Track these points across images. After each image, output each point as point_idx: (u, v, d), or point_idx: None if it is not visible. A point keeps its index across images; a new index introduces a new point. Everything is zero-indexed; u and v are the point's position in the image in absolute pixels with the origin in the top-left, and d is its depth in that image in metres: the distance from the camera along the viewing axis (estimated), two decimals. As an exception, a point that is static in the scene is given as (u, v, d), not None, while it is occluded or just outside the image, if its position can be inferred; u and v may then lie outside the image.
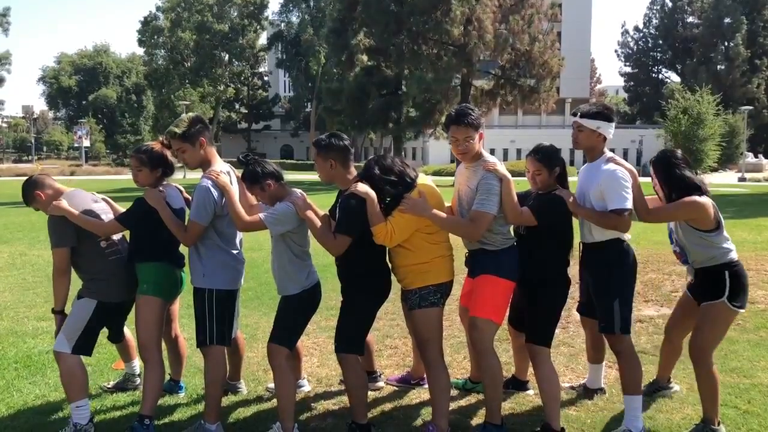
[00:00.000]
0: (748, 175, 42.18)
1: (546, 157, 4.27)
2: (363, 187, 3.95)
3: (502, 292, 4.16)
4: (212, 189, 4.13)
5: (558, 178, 4.30)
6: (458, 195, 4.30)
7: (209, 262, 4.21)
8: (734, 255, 4.29)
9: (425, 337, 4.13)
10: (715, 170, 38.84)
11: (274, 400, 4.42)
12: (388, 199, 4.02)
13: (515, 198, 4.12)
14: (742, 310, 4.27)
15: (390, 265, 4.22)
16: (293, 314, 4.20)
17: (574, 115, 4.32)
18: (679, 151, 4.45)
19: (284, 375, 4.12)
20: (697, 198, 4.15)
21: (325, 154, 4.13)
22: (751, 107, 50.10)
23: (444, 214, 4.07)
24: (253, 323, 6.86)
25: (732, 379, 5.20)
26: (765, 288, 8.58)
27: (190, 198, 4.46)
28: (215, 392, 4.21)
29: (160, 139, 4.46)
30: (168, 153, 4.40)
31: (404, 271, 4.12)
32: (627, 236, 4.32)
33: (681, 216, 4.24)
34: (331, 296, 7.03)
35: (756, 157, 54.93)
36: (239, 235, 4.40)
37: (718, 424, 4.23)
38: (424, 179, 4.15)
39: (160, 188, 4.35)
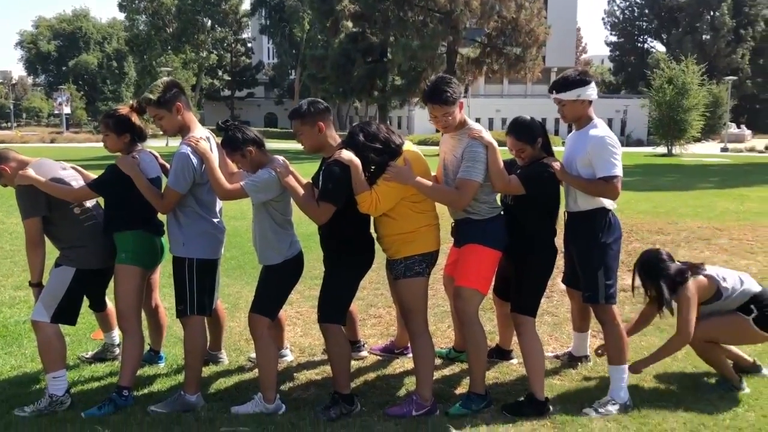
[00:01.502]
0: (730, 146, 42.37)
1: (525, 132, 4.17)
2: (347, 154, 3.85)
3: (489, 261, 4.10)
4: (191, 156, 4.01)
5: (542, 147, 4.22)
6: (443, 164, 4.21)
7: (189, 230, 4.11)
8: (754, 288, 4.42)
9: (410, 306, 4.07)
10: (698, 140, 38.91)
11: (256, 371, 4.36)
12: (373, 167, 3.93)
13: (502, 165, 4.04)
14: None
15: (375, 234, 4.14)
16: (275, 284, 4.13)
17: (551, 92, 4.21)
18: (658, 250, 4.56)
19: (266, 345, 4.06)
20: (689, 294, 4.29)
21: (312, 119, 4.00)
22: (735, 77, 50.10)
23: (430, 183, 3.99)
24: (235, 293, 6.78)
25: (715, 348, 5.19)
26: (747, 257, 8.61)
27: (167, 165, 4.35)
28: (195, 363, 4.14)
29: (131, 102, 4.33)
30: (135, 118, 4.27)
31: (389, 240, 4.05)
32: (613, 205, 4.27)
33: (695, 309, 4.31)
34: (315, 266, 6.92)
35: (738, 127, 55.13)
36: (219, 203, 4.30)
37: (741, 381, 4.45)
38: (409, 146, 4.06)
39: (134, 154, 4.22)
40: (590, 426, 3.91)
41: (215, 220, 4.22)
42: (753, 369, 4.68)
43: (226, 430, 3.79)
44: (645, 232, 10.33)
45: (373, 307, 6.31)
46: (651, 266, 4.42)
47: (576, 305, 4.84)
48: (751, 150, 41.36)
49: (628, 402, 4.13)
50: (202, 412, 4.05)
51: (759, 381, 4.57)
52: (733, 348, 4.69)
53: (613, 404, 4.11)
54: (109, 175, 4.15)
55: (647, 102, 37.67)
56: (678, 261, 4.54)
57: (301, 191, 3.96)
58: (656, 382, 4.57)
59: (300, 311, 6.19)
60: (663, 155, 35.38)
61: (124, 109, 4.29)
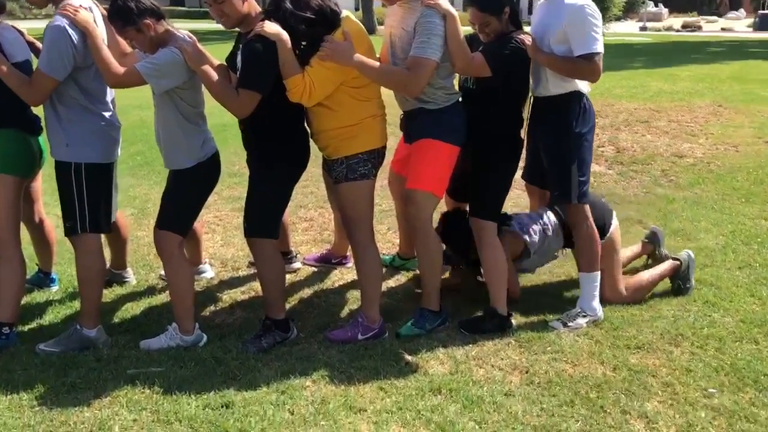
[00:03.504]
0: (648, 25, 42.47)
1: (490, 2, 3.41)
2: (272, 27, 3.02)
3: (446, 159, 3.45)
4: (69, 29, 3.10)
5: (510, 20, 3.49)
6: (390, 40, 3.44)
7: (73, 128, 3.27)
8: (553, 220, 3.92)
9: (354, 214, 3.41)
10: (618, 19, 38.65)
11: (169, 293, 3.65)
12: (304, 42, 3.13)
13: (463, 39, 3.30)
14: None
15: (309, 129, 3.39)
16: (187, 193, 3.38)
17: None
18: (454, 211, 3.99)
19: (179, 266, 3.36)
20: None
21: None
22: (654, -47, 49.64)
23: (376, 63, 3.23)
24: (142, 195, 5.92)
25: (676, 243, 4.83)
26: (689, 140, 8.31)
27: (38, 43, 3.42)
28: (92, 291, 3.39)
29: None
30: None
31: (327, 136, 3.31)
32: (587, 89, 3.65)
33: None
34: (233, 160, 6.18)
35: (656, 6, 55.25)
36: (111, 92, 3.43)
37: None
38: (349, 17, 3.25)
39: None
40: (559, 343, 3.45)
41: (107, 114, 3.37)
42: (680, 270, 4.07)
43: (135, 372, 3.12)
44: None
45: (303, 209, 5.59)
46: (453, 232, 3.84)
47: (536, 204, 4.27)
48: (669, 29, 41.58)
49: (599, 314, 3.68)
50: (105, 350, 3.34)
51: (729, 280, 4.21)
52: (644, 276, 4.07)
53: (583, 317, 3.65)
54: (-46, 58, 3.20)
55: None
56: None
57: (215, 76, 3.14)
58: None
59: (219, 215, 5.41)
60: (585, 34, 34.96)
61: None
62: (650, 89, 12.20)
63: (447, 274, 4.09)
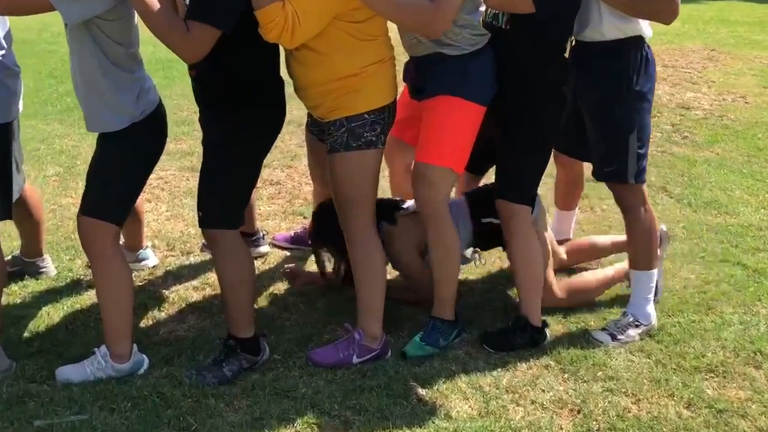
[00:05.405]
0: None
1: None
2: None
3: (470, 123, 2.61)
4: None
5: None
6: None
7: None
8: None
9: (352, 194, 2.54)
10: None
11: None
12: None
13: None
14: None
15: (293, 81, 2.48)
16: (120, 166, 2.46)
17: None
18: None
19: (112, 268, 2.47)
20: None
21: None
22: None
23: (384, -10, 2.32)
24: (71, 148, 4.85)
25: (714, 219, 4.10)
26: (691, 89, 7.57)
27: None
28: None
29: None
30: None
31: (319, 92, 2.43)
32: (649, 32, 2.83)
33: None
34: (181, 105, 5.14)
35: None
36: (4, 23, 2.47)
37: None
38: None
39: None
40: (612, 365, 2.69)
41: (-2, 54, 2.40)
42: None
43: (46, 425, 2.22)
44: (570, 58, 9.06)
45: (266, 168, 4.50)
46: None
47: (565, 175, 3.45)
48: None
49: (653, 321, 2.92)
50: (4, 385, 2.42)
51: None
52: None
53: (636, 326, 2.87)
54: None
55: None
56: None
57: (155, 3, 2.19)
58: (678, 287, 3.32)
59: (163, 176, 4.38)
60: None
61: None
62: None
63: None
